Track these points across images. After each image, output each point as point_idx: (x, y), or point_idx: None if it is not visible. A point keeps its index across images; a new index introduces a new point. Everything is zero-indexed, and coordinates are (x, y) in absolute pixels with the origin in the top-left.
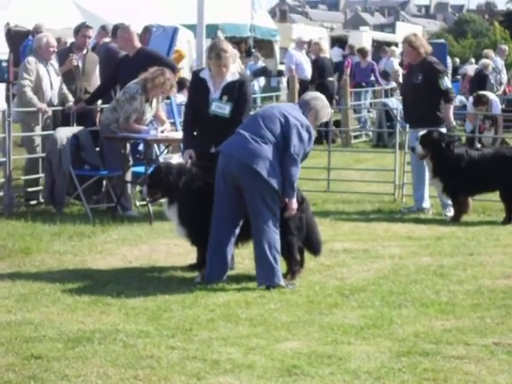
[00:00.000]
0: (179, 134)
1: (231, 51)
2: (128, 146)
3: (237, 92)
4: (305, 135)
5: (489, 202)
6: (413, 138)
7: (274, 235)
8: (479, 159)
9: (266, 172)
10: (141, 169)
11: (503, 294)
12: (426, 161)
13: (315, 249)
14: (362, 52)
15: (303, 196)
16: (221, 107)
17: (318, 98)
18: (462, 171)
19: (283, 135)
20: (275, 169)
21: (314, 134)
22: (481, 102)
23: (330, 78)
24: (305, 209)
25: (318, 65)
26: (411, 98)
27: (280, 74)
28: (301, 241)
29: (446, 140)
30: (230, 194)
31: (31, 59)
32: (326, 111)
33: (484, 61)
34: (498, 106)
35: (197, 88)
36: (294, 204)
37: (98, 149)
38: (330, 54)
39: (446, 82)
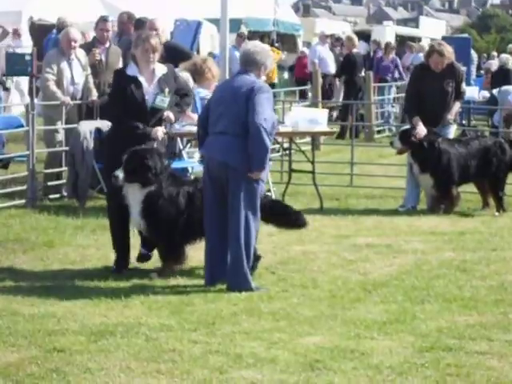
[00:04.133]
0: None
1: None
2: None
3: (174, 84)
4: (264, 96)
5: None
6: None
7: (252, 234)
8: (467, 150)
9: (245, 165)
10: (181, 163)
11: None
12: (408, 158)
13: (296, 222)
14: (388, 47)
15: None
16: (163, 100)
17: (256, 51)
18: (451, 165)
19: (245, 115)
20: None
21: (269, 90)
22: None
23: (360, 74)
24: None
25: (350, 60)
26: (441, 102)
27: None
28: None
29: (427, 137)
30: (218, 197)
31: (52, 53)
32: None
33: (504, 55)
34: None
35: (127, 85)
36: (260, 175)
37: None
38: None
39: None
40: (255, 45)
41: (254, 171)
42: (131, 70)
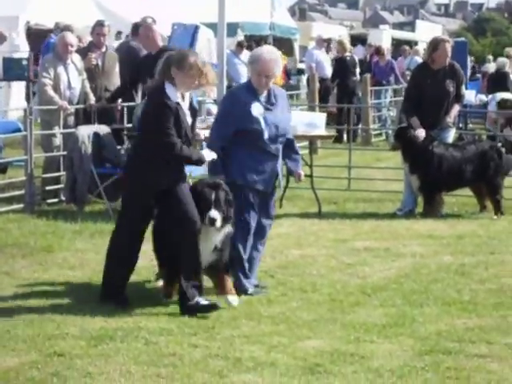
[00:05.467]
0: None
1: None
2: None
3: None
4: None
5: (510, 201)
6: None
7: (237, 245)
8: (459, 155)
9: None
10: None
11: None
12: (402, 158)
13: None
14: (379, 51)
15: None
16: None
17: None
18: (439, 169)
19: None
20: (239, 166)
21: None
22: (505, 107)
23: (353, 78)
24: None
25: (341, 64)
26: (442, 103)
27: (300, 72)
28: None
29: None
30: None
31: (49, 58)
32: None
33: (501, 59)
34: None
35: (177, 111)
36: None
37: (119, 147)
38: (353, 52)
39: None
40: (271, 51)
41: None
42: (173, 95)
